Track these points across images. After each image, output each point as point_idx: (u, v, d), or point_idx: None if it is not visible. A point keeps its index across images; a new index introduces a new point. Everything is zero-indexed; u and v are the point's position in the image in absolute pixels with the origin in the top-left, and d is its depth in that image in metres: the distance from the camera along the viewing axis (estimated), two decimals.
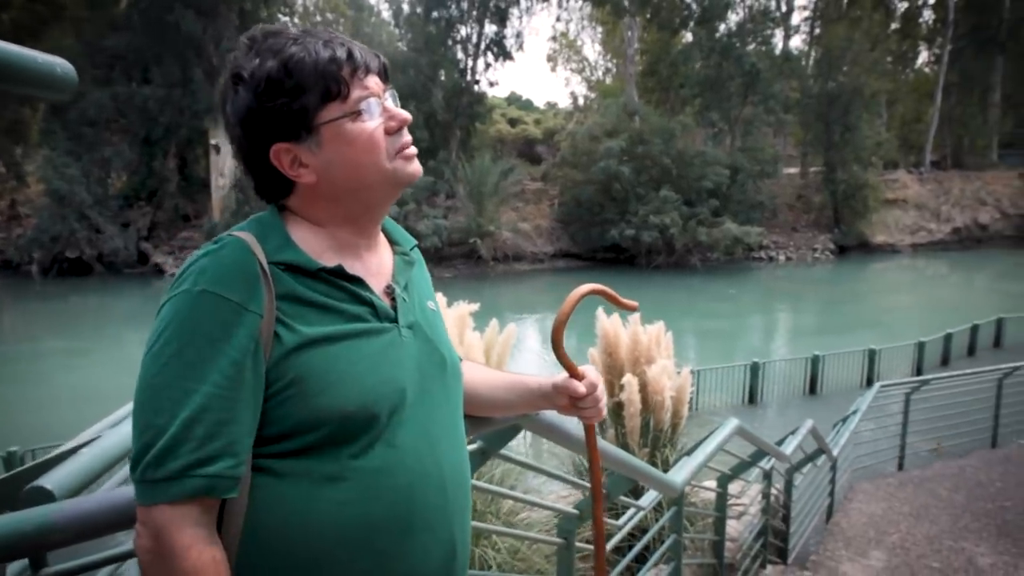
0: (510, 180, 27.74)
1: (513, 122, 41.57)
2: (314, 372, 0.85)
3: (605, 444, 1.78)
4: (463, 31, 29.84)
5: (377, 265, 1.00)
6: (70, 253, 24.09)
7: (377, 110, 0.92)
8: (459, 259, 25.62)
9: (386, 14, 35.45)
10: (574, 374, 1.12)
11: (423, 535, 0.91)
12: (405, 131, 0.95)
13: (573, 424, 1.59)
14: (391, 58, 31.03)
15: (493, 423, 1.34)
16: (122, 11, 25.82)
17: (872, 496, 6.72)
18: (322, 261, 0.91)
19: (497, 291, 23.80)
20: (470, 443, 1.43)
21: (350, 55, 0.90)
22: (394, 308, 0.96)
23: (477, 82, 30.26)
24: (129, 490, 0.96)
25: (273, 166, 0.91)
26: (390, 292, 0.98)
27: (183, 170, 26.65)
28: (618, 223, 25.95)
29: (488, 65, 30.58)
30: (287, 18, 31.12)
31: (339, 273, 0.91)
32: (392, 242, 1.06)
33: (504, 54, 30.18)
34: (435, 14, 28.90)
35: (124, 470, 1.38)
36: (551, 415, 1.47)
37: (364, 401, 0.86)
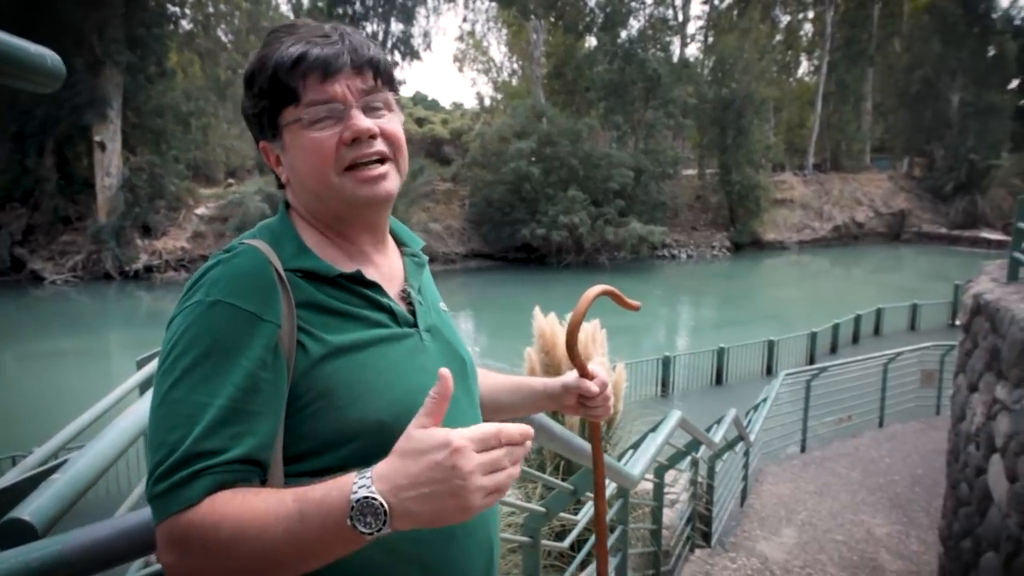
0: (420, 181, 27.47)
1: (420, 122, 41.14)
2: (344, 382, 0.82)
3: (580, 441, 1.82)
4: (368, 28, 29.28)
5: (389, 269, 0.97)
6: None
7: (336, 117, 0.86)
8: None
9: (285, 7, 34.20)
10: (584, 374, 1.15)
11: (465, 540, 0.90)
12: (369, 142, 0.87)
13: (558, 425, 1.62)
14: None
15: None
16: None
17: (780, 477, 7.18)
18: (338, 266, 0.89)
19: None
20: None
21: (301, 56, 0.85)
22: (411, 312, 0.94)
23: None
24: (140, 514, 0.90)
25: None
26: (405, 296, 0.96)
27: (63, 168, 24.56)
28: (528, 223, 26.28)
29: (395, 64, 30.16)
30: (176, 8, 29.34)
31: (357, 279, 0.89)
32: (399, 243, 1.04)
33: (411, 53, 29.91)
34: (339, 10, 28.20)
35: (102, 492, 1.28)
36: (540, 417, 1.49)
37: (396, 410, 0.84)
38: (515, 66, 42.67)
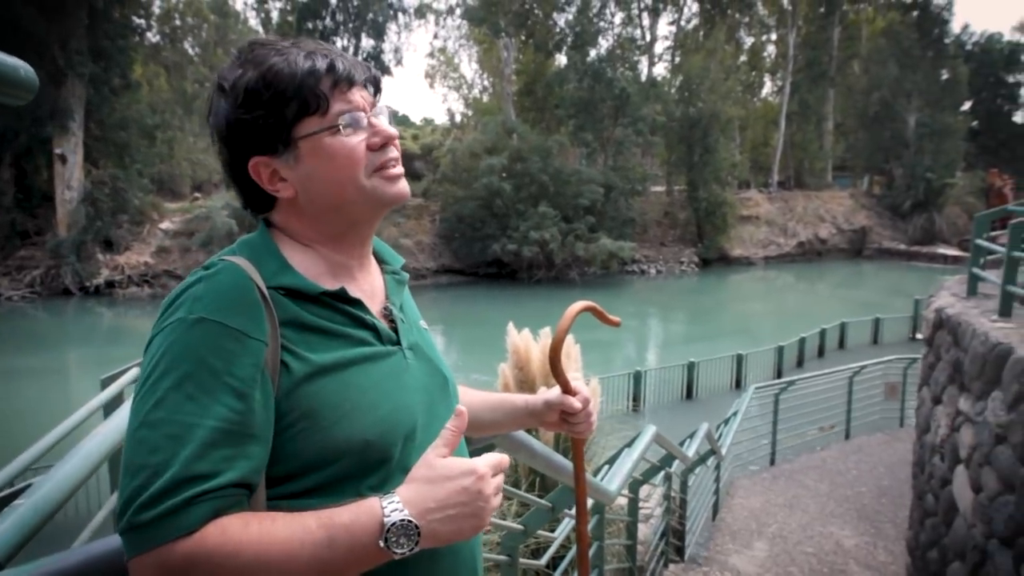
0: None
1: None
2: (328, 402, 0.80)
3: (560, 458, 1.81)
4: (339, 44, 29.20)
5: (371, 287, 0.97)
6: None
7: (361, 124, 0.89)
8: None
9: (253, 22, 34.00)
10: (568, 390, 1.14)
11: (448, 559, 0.89)
12: (391, 148, 0.91)
13: (538, 443, 1.61)
14: None
15: (470, 443, 1.32)
16: None
17: (750, 491, 7.24)
18: (321, 284, 0.87)
19: None
20: None
21: (331, 67, 0.87)
22: (394, 330, 0.93)
23: None
24: (110, 541, 0.86)
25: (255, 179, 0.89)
26: (387, 313, 0.95)
27: (21, 182, 23.91)
28: (499, 238, 26.33)
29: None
30: (142, 20, 28.93)
31: (341, 296, 0.88)
32: (380, 261, 1.03)
33: (382, 68, 29.86)
34: (308, 25, 28.12)
35: (60, 517, 1.22)
36: (521, 434, 1.48)
37: (381, 429, 0.83)
38: (486, 83, 42.96)
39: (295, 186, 0.88)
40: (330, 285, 0.88)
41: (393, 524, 0.72)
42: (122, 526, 0.70)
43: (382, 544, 0.72)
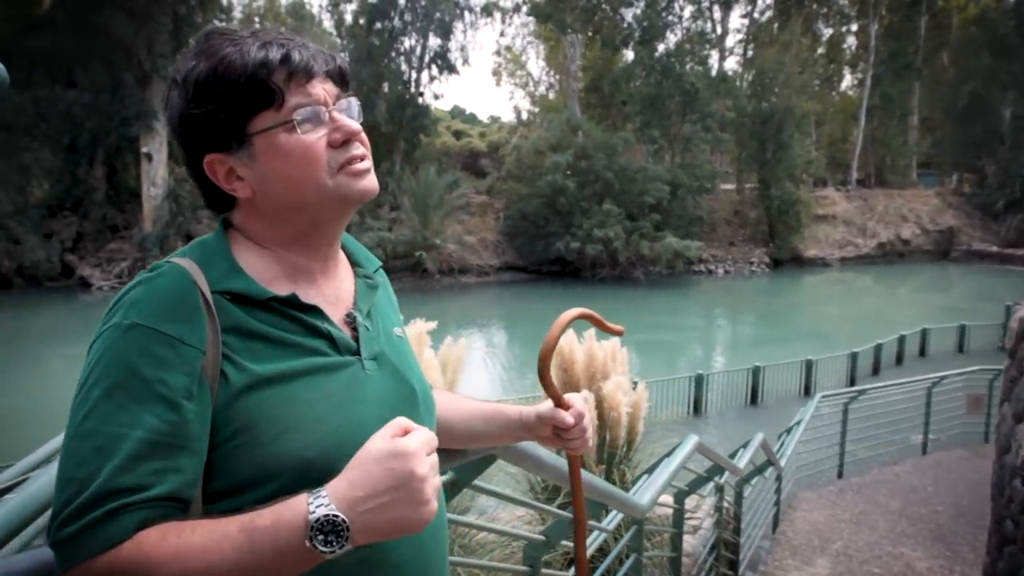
0: (455, 193, 27.66)
1: (458, 135, 41.60)
2: (268, 415, 0.75)
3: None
4: (407, 43, 29.72)
5: (336, 291, 0.90)
6: None
7: (321, 119, 0.82)
8: (404, 272, 25.31)
9: (328, 24, 34.97)
10: (560, 403, 1.05)
11: (414, 565, 0.83)
12: (356, 144, 0.85)
13: (546, 452, 1.52)
14: None
15: (466, 454, 1.25)
16: (44, 10, 24.58)
17: (815, 504, 6.89)
18: (273, 289, 0.82)
19: (443, 305, 23.59)
20: (441, 474, 1.34)
21: (286, 57, 0.80)
22: (356, 339, 0.87)
23: (421, 94, 30.15)
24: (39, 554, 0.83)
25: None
26: (351, 321, 0.88)
27: (111, 179, 25.45)
28: (563, 236, 26.20)
29: (432, 78, 30.54)
30: (224, 24, 30.25)
31: (292, 303, 0.82)
32: (354, 264, 0.97)
33: (448, 67, 30.19)
34: (378, 25, 28.70)
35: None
36: (526, 445, 1.39)
37: (325, 446, 0.77)
38: (552, 80, 42.83)
39: (252, 185, 0.83)
40: (284, 290, 0.83)
41: (316, 520, 0.64)
42: (49, 541, 0.68)
43: (308, 544, 0.64)
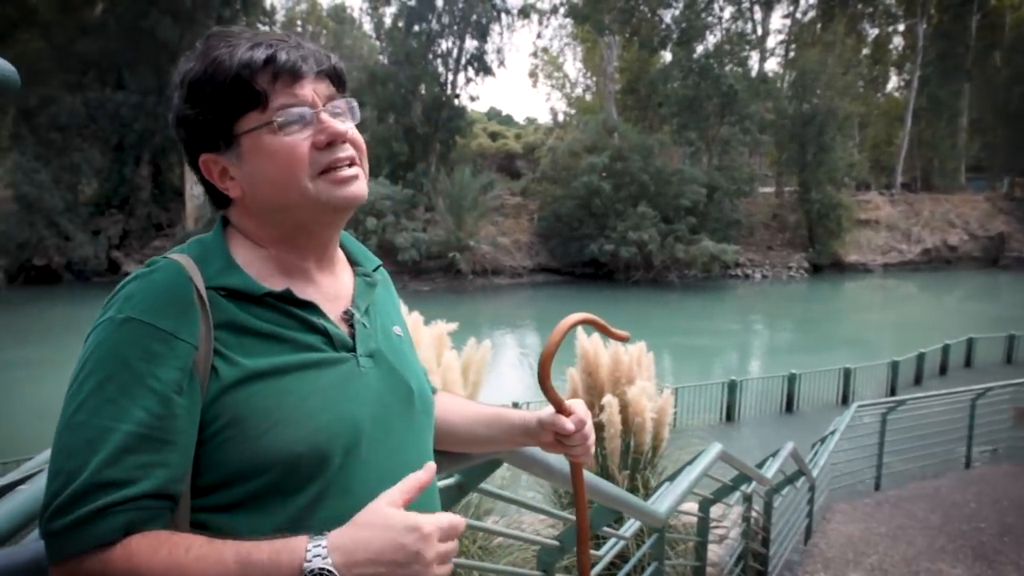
0: (490, 194, 27.76)
1: (494, 136, 41.74)
2: (258, 410, 0.75)
3: (588, 475, 1.69)
4: (444, 45, 29.95)
5: (334, 288, 0.90)
6: (38, 260, 23.54)
7: (306, 121, 0.81)
8: (437, 273, 25.49)
9: (368, 27, 35.47)
10: (561, 409, 1.03)
11: None
12: (341, 147, 0.83)
13: (556, 457, 1.50)
14: (371, 71, 30.76)
15: (471, 458, 1.24)
16: (96, 16, 25.47)
17: (850, 517, 6.71)
18: (268, 285, 0.82)
19: (476, 305, 23.69)
20: (446, 477, 1.33)
21: (271, 58, 0.80)
22: (352, 336, 0.87)
23: (458, 96, 30.36)
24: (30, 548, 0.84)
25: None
26: (348, 318, 0.88)
27: (156, 178, 26.26)
28: (597, 238, 26.06)
29: (469, 80, 30.72)
30: (267, 27, 30.92)
31: (287, 298, 0.82)
32: (353, 262, 0.97)
33: (485, 69, 30.33)
34: (416, 28, 28.98)
35: None
36: (533, 450, 1.38)
37: (315, 440, 0.77)
38: (589, 81, 42.66)
39: (241, 185, 0.84)
40: (279, 286, 0.83)
41: (312, 571, 0.64)
42: (40, 532, 0.69)
43: None
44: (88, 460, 0.67)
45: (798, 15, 37.62)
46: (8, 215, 23.74)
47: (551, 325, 1.02)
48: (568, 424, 1.02)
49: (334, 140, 0.82)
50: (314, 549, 0.65)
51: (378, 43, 32.50)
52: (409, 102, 27.68)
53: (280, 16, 35.48)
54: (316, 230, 0.87)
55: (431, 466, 0.75)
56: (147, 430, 0.70)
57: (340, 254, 0.95)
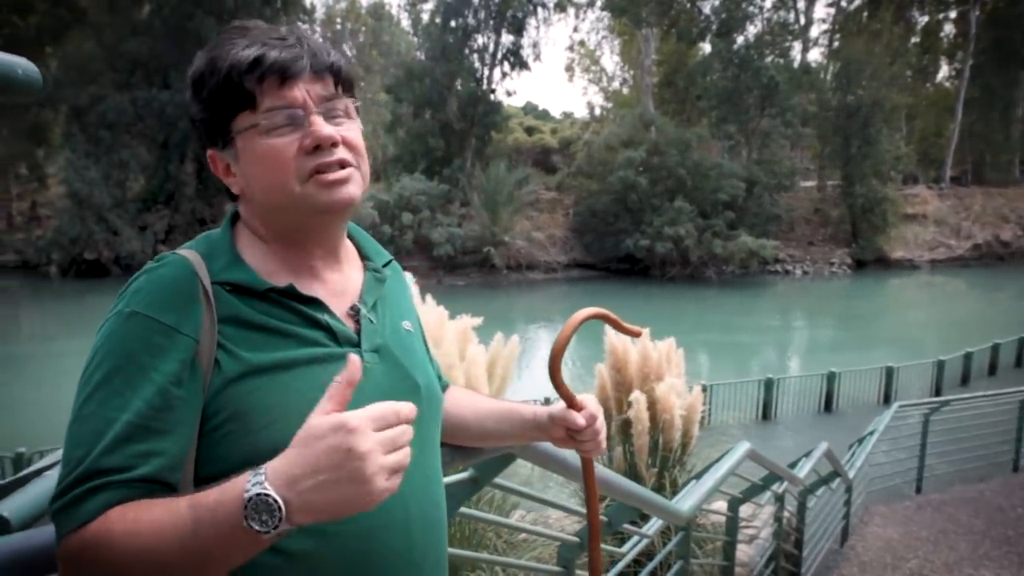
0: (525, 189, 27.72)
1: (530, 131, 41.64)
2: (259, 404, 0.77)
3: (606, 472, 1.69)
4: (480, 40, 29.98)
5: (341, 284, 0.91)
6: (88, 255, 24.37)
7: (296, 123, 0.81)
8: (472, 267, 25.60)
9: (405, 23, 35.73)
10: (572, 405, 1.03)
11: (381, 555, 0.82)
12: (329, 151, 0.82)
13: (571, 453, 1.51)
14: (408, 67, 30.87)
15: (485, 452, 1.25)
16: (143, 17, 26.20)
17: (889, 520, 6.54)
18: (273, 281, 0.83)
19: (510, 300, 23.71)
20: (460, 471, 1.34)
21: (258, 59, 0.80)
22: (358, 331, 0.88)
23: (493, 91, 30.38)
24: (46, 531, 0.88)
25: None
26: (354, 313, 0.89)
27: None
28: (632, 233, 25.82)
29: (505, 74, 30.72)
30: (306, 25, 31.38)
31: (291, 294, 0.83)
32: (363, 257, 0.98)
33: (520, 64, 30.27)
34: (452, 23, 29.08)
35: None
36: (545, 445, 1.38)
37: None
38: (626, 75, 42.23)
39: (240, 183, 0.86)
40: (284, 282, 0.84)
41: (250, 499, 0.61)
42: (50, 515, 0.72)
43: (244, 524, 0.62)
44: (92, 448, 0.70)
45: (843, 3, 36.59)
46: (61, 211, 24.66)
47: (587, 321, 1.01)
48: (579, 419, 1.02)
49: (321, 144, 0.81)
50: (253, 478, 0.63)
51: (415, 39, 32.72)
52: (445, 97, 27.79)
53: (320, 14, 36.05)
54: (314, 231, 0.87)
55: (353, 359, 0.69)
56: (146, 420, 0.72)
57: (350, 249, 0.96)
